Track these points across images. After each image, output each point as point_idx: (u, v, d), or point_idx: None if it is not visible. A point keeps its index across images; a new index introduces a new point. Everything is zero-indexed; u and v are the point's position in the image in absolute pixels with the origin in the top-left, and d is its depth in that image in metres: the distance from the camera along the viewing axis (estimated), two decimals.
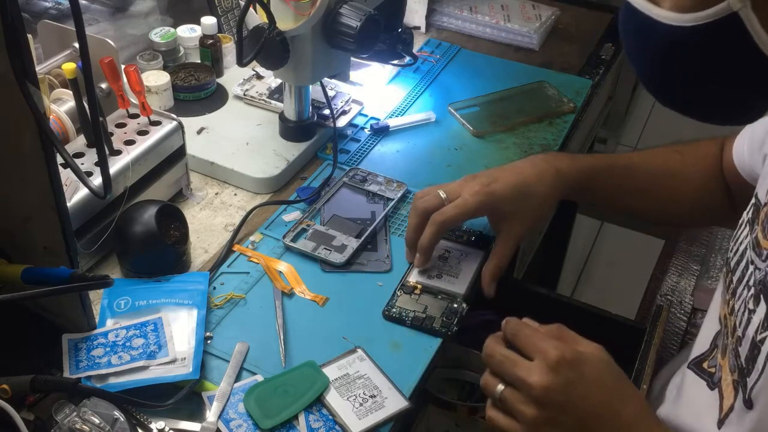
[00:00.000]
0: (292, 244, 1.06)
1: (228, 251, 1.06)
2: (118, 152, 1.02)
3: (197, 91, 1.31)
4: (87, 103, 0.89)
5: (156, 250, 0.98)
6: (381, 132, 1.32)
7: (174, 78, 1.30)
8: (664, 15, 0.67)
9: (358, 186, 1.18)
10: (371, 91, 1.40)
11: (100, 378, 0.85)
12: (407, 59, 1.34)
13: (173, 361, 0.87)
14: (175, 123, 1.09)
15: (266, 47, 1.08)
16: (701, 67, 0.69)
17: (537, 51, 1.59)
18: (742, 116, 0.74)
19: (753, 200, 0.82)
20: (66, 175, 0.88)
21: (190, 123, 1.22)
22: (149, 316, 0.92)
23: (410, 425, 0.95)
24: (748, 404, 0.71)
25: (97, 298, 0.95)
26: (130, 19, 1.42)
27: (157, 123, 1.08)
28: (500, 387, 0.77)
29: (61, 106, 1.05)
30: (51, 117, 1.02)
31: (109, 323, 0.91)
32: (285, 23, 1.08)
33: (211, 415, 0.84)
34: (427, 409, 1.00)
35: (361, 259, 1.06)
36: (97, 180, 0.91)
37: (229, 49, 1.39)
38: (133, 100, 1.08)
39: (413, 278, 1.02)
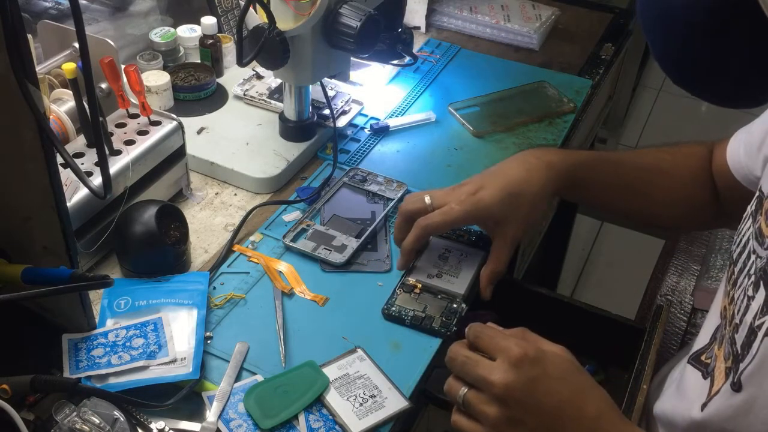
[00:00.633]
0: (292, 244, 1.06)
1: (228, 251, 1.06)
2: (118, 152, 1.02)
3: (197, 91, 1.31)
4: (87, 103, 0.89)
5: (156, 250, 0.98)
6: (381, 132, 1.32)
7: (174, 78, 1.30)
8: None
9: (358, 186, 1.18)
10: (371, 91, 1.40)
11: (100, 378, 0.85)
12: (407, 59, 1.34)
13: (173, 361, 0.87)
14: (175, 123, 1.09)
15: (266, 47, 1.08)
16: (715, 39, 0.68)
17: (537, 51, 1.59)
18: (753, 97, 0.72)
19: (757, 193, 0.83)
20: (66, 175, 0.88)
21: (190, 123, 1.22)
22: (149, 316, 0.92)
23: (410, 425, 0.95)
24: (736, 386, 0.72)
25: (97, 298, 0.95)
26: (130, 19, 1.42)
27: (157, 123, 1.08)
28: (463, 390, 0.76)
29: (61, 106, 1.05)
30: (51, 117, 1.02)
31: (109, 323, 0.91)
32: (285, 23, 1.08)
33: (211, 415, 0.84)
34: (427, 409, 1.00)
35: (361, 259, 1.06)
36: (97, 180, 0.91)
37: (229, 49, 1.39)
38: (133, 100, 1.08)
39: (413, 277, 1.02)
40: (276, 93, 1.32)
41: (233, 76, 1.38)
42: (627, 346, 1.05)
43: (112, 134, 1.05)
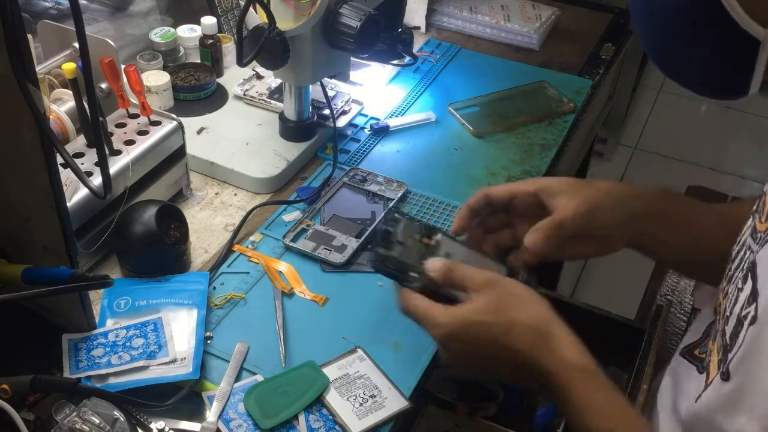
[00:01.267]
0: (292, 244, 1.06)
1: (228, 251, 1.06)
2: (118, 152, 1.02)
3: (197, 91, 1.31)
4: (87, 103, 0.89)
5: (156, 250, 0.98)
6: (381, 132, 1.32)
7: (174, 78, 1.30)
8: None
9: (358, 186, 1.18)
10: (371, 91, 1.40)
11: (100, 378, 0.85)
12: (407, 59, 1.34)
13: (173, 361, 0.87)
14: (175, 123, 1.09)
15: (266, 47, 1.08)
16: (687, 34, 0.71)
17: (537, 51, 1.59)
18: (730, 89, 0.74)
19: (760, 193, 0.83)
20: (66, 175, 0.88)
21: (190, 123, 1.22)
22: (149, 316, 0.92)
23: (410, 425, 0.95)
24: (725, 376, 0.72)
25: (97, 298, 0.95)
26: (130, 18, 1.42)
27: (157, 123, 1.08)
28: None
29: (61, 106, 1.05)
30: (51, 117, 1.02)
31: (109, 323, 0.91)
32: (285, 23, 1.08)
33: (211, 415, 0.84)
34: (427, 409, 1.00)
35: (361, 259, 1.06)
36: (97, 180, 0.91)
37: (229, 49, 1.39)
38: (133, 100, 1.08)
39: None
40: (276, 93, 1.32)
41: (233, 76, 1.38)
42: (627, 346, 1.05)
43: (112, 134, 1.05)
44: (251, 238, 1.08)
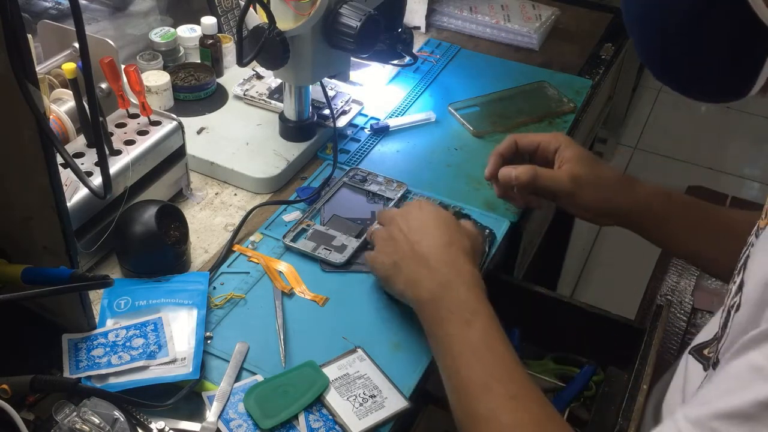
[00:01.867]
0: (292, 244, 1.06)
1: (228, 251, 1.06)
2: (118, 152, 1.02)
3: (197, 91, 1.31)
4: (87, 103, 0.89)
5: (156, 250, 0.98)
6: (381, 132, 1.32)
7: (174, 78, 1.30)
8: None
9: (358, 186, 1.18)
10: (371, 91, 1.40)
11: (100, 378, 0.85)
12: (407, 59, 1.34)
13: (173, 361, 0.87)
14: (175, 123, 1.09)
15: (266, 47, 1.08)
16: (695, 29, 0.69)
17: (537, 51, 1.59)
18: (731, 90, 0.72)
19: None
20: (66, 175, 0.88)
21: (190, 123, 1.22)
22: (149, 316, 0.92)
23: (410, 425, 0.95)
24: (715, 365, 0.72)
25: (97, 298, 0.95)
26: (130, 18, 1.42)
27: (157, 123, 1.08)
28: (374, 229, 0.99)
29: (61, 106, 1.05)
30: (51, 117, 1.02)
31: (109, 323, 0.91)
32: (285, 23, 1.08)
33: (211, 415, 0.84)
34: (427, 409, 1.00)
35: (361, 259, 1.06)
36: (97, 180, 0.91)
37: (229, 49, 1.39)
38: (133, 100, 1.08)
39: None
40: (276, 93, 1.32)
41: (233, 76, 1.38)
42: (627, 346, 1.05)
43: (112, 134, 1.05)
44: (251, 238, 1.08)
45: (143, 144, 1.05)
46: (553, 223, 1.57)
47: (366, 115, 1.35)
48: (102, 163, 0.86)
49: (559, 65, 1.54)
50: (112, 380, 0.85)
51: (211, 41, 1.36)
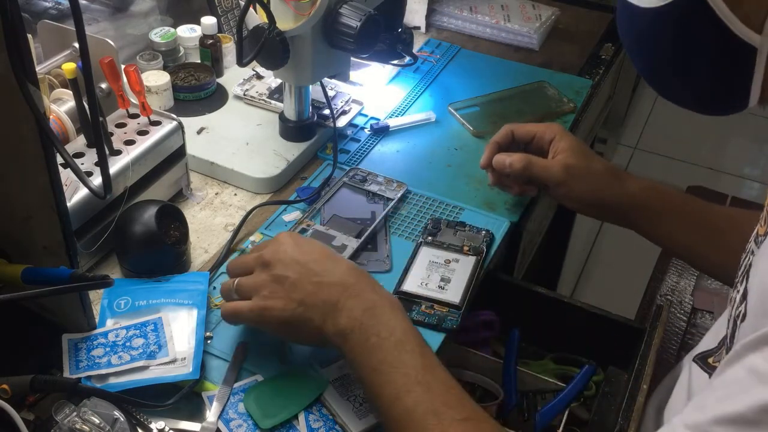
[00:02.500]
0: None
1: (228, 251, 1.06)
2: (118, 152, 1.02)
3: (197, 91, 1.31)
4: (87, 103, 0.89)
5: (156, 250, 0.98)
6: (381, 132, 1.32)
7: (174, 78, 1.30)
8: (642, 0, 0.71)
9: (358, 186, 1.18)
10: (371, 91, 1.40)
11: (100, 378, 0.85)
12: (407, 59, 1.34)
13: (173, 361, 0.87)
14: (175, 123, 1.09)
15: (266, 47, 1.08)
16: (681, 50, 0.71)
17: (537, 51, 1.59)
18: (730, 103, 0.74)
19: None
20: (66, 175, 0.88)
21: (190, 123, 1.22)
22: (149, 316, 0.92)
23: None
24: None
25: (97, 298, 0.95)
26: (130, 19, 1.42)
27: (157, 123, 1.08)
28: (235, 281, 0.88)
29: (61, 106, 1.05)
30: (51, 117, 1.02)
31: (109, 323, 0.91)
32: (285, 23, 1.08)
33: (211, 415, 0.84)
34: None
35: (361, 259, 1.06)
36: (97, 180, 0.91)
37: (229, 49, 1.39)
38: (133, 100, 1.08)
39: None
40: (276, 93, 1.32)
41: (233, 76, 1.38)
42: (627, 346, 1.05)
43: (112, 134, 1.05)
44: (251, 238, 1.08)
45: (143, 144, 1.04)
46: (553, 223, 1.57)
47: (366, 115, 1.35)
48: (102, 163, 0.86)
49: (559, 65, 1.54)
50: (112, 380, 0.85)
51: (211, 41, 1.36)
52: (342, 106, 1.31)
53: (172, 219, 1.01)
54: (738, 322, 0.72)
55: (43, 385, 0.80)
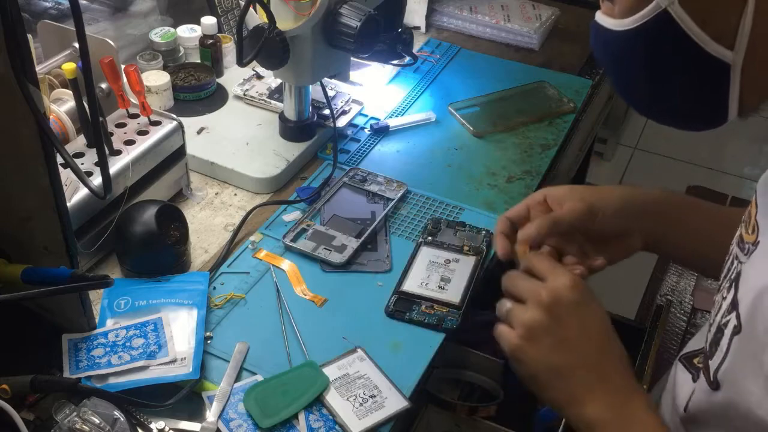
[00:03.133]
0: (292, 244, 1.06)
1: (228, 251, 1.06)
2: (118, 152, 1.02)
3: (197, 91, 1.31)
4: (87, 103, 0.89)
5: (156, 250, 0.98)
6: (381, 132, 1.32)
7: (174, 78, 1.30)
8: (614, 23, 0.72)
9: (358, 186, 1.18)
10: (371, 91, 1.40)
11: (100, 378, 0.85)
12: (407, 59, 1.34)
13: (173, 361, 0.87)
14: (175, 123, 1.09)
15: (266, 47, 1.08)
16: (656, 70, 0.72)
17: (537, 51, 1.59)
18: (709, 119, 0.74)
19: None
20: (66, 175, 0.88)
21: (190, 123, 1.22)
22: (149, 316, 0.92)
23: (410, 425, 0.95)
24: (714, 385, 0.73)
25: (97, 298, 0.95)
26: (130, 19, 1.42)
27: (157, 123, 1.08)
28: (508, 304, 0.81)
29: (61, 106, 1.05)
30: (51, 117, 1.02)
31: (109, 323, 0.91)
32: (285, 23, 1.08)
33: (211, 415, 0.84)
34: (427, 409, 1.00)
35: (361, 259, 1.06)
36: (97, 180, 0.91)
37: (229, 49, 1.39)
38: (133, 100, 1.08)
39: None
40: (276, 93, 1.32)
41: (233, 76, 1.38)
42: (627, 346, 1.05)
43: (112, 134, 1.05)
44: (251, 238, 1.08)
45: (143, 144, 1.05)
46: None
47: (366, 115, 1.35)
48: (102, 163, 0.86)
49: (559, 65, 1.54)
50: (112, 380, 0.85)
51: (211, 41, 1.36)
52: (342, 106, 1.31)
53: (172, 219, 1.01)
54: (727, 332, 0.72)
55: (43, 385, 0.80)
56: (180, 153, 1.11)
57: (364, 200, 1.16)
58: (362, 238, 1.08)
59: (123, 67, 1.07)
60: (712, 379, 0.73)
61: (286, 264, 1.04)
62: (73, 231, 0.84)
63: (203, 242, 1.08)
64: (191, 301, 0.94)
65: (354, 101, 1.34)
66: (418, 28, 1.61)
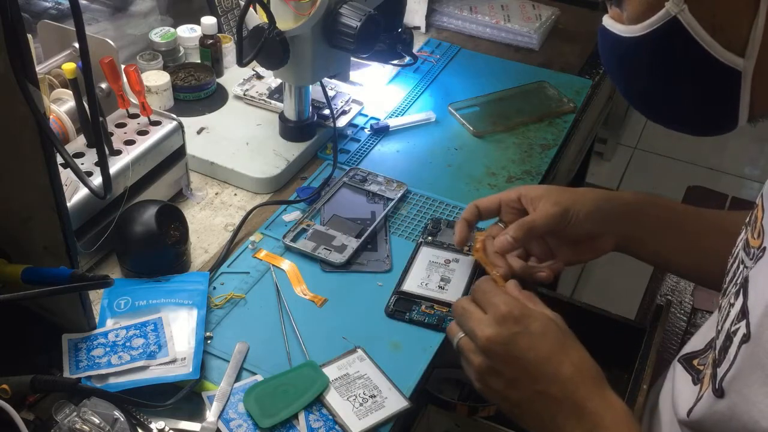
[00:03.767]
0: (292, 244, 1.06)
1: (228, 251, 1.06)
2: (118, 152, 1.02)
3: (197, 91, 1.31)
4: (87, 103, 0.89)
5: (156, 250, 0.98)
6: (381, 132, 1.32)
7: (174, 78, 1.30)
8: (623, 29, 0.72)
9: (358, 186, 1.18)
10: (371, 91, 1.40)
11: (100, 378, 0.85)
12: (407, 59, 1.34)
13: (173, 361, 0.87)
14: (175, 123, 1.09)
15: (266, 47, 1.08)
16: (666, 77, 0.72)
17: (537, 51, 1.59)
18: (719, 124, 0.74)
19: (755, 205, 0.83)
20: (66, 175, 0.88)
21: (190, 123, 1.22)
22: (149, 316, 0.92)
23: (410, 425, 0.95)
24: (719, 393, 0.72)
25: (97, 298, 0.95)
26: (130, 19, 1.42)
27: (157, 123, 1.08)
28: (459, 335, 0.83)
29: (61, 106, 1.05)
30: (51, 117, 1.02)
31: (109, 323, 0.91)
32: (285, 23, 1.08)
33: (211, 415, 0.84)
34: (427, 409, 1.00)
35: (361, 259, 1.06)
36: (97, 180, 0.91)
37: (229, 49, 1.39)
38: (133, 100, 1.08)
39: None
40: (276, 93, 1.32)
41: (233, 76, 1.38)
42: (627, 346, 1.05)
43: (112, 134, 1.05)
44: (251, 238, 1.08)
45: (143, 144, 1.05)
46: None
47: (366, 115, 1.35)
48: (102, 163, 0.86)
49: (559, 65, 1.54)
50: (112, 380, 0.85)
51: (211, 41, 1.36)
52: (342, 106, 1.31)
53: (172, 219, 1.01)
54: (735, 340, 0.71)
55: (43, 385, 0.80)
56: (180, 153, 1.11)
57: (364, 200, 1.16)
58: (362, 238, 1.08)
59: (123, 67, 1.07)
60: (717, 386, 0.73)
61: (286, 264, 1.04)
62: (73, 231, 0.84)
63: (203, 242, 1.08)
64: (191, 301, 0.94)
65: (354, 101, 1.34)
66: (418, 28, 1.61)
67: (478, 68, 1.52)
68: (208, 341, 0.92)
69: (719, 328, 0.77)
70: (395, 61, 1.35)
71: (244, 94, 1.32)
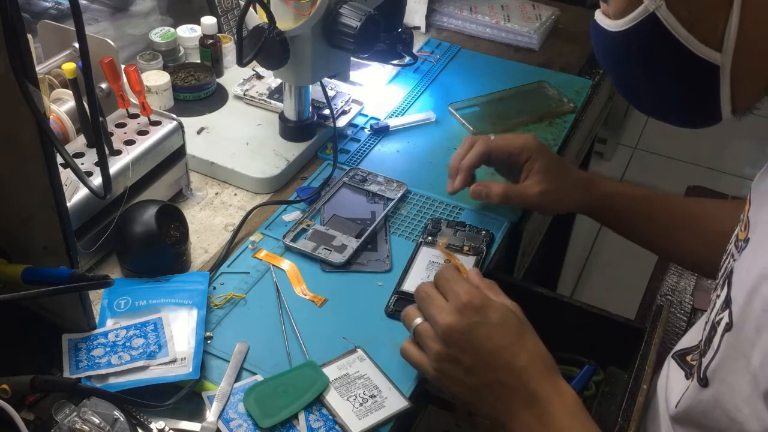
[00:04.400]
0: (292, 244, 1.06)
1: (228, 251, 1.06)
2: (118, 152, 1.02)
3: (197, 91, 1.31)
4: (87, 103, 0.89)
5: (156, 250, 0.98)
6: (381, 132, 1.32)
7: (174, 78, 1.30)
8: (609, 23, 0.74)
9: (358, 186, 1.18)
10: (371, 91, 1.40)
11: (100, 378, 0.85)
12: (407, 59, 1.34)
13: (173, 361, 0.87)
14: (175, 123, 1.09)
15: (266, 47, 1.08)
16: (649, 70, 0.74)
17: (537, 51, 1.59)
18: (703, 117, 0.76)
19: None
20: (66, 175, 0.88)
21: (190, 123, 1.22)
22: (149, 316, 0.92)
23: (410, 425, 0.95)
24: (703, 382, 0.73)
25: (97, 298, 0.95)
26: (130, 19, 1.42)
27: (157, 123, 1.08)
28: (417, 320, 0.86)
29: (61, 106, 1.05)
30: (51, 117, 1.02)
31: (109, 323, 0.91)
32: (285, 23, 1.08)
33: (211, 415, 0.84)
34: (427, 409, 1.00)
35: (361, 259, 1.06)
36: (97, 180, 0.91)
37: (229, 49, 1.39)
38: (133, 100, 1.08)
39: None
40: (276, 93, 1.32)
41: (233, 76, 1.38)
42: (627, 346, 1.05)
43: (112, 134, 1.05)
44: (251, 238, 1.08)
45: (143, 144, 1.05)
46: (553, 223, 1.57)
47: (366, 115, 1.35)
48: (102, 163, 0.86)
49: (559, 65, 1.54)
50: (112, 380, 0.85)
51: (211, 41, 1.36)
52: (342, 106, 1.31)
53: (172, 219, 1.01)
54: (719, 330, 0.72)
55: (43, 385, 0.80)
56: (180, 153, 1.11)
57: (364, 200, 1.16)
58: (362, 238, 1.08)
59: (123, 67, 1.07)
60: (702, 376, 0.74)
61: (286, 264, 1.04)
62: (73, 231, 0.84)
63: (203, 242, 1.08)
64: (191, 301, 0.94)
65: (354, 101, 1.34)
66: (418, 28, 1.61)
67: (478, 68, 1.52)
68: (208, 341, 0.92)
69: (707, 320, 0.78)
70: (395, 61, 1.35)
71: (244, 94, 1.32)
